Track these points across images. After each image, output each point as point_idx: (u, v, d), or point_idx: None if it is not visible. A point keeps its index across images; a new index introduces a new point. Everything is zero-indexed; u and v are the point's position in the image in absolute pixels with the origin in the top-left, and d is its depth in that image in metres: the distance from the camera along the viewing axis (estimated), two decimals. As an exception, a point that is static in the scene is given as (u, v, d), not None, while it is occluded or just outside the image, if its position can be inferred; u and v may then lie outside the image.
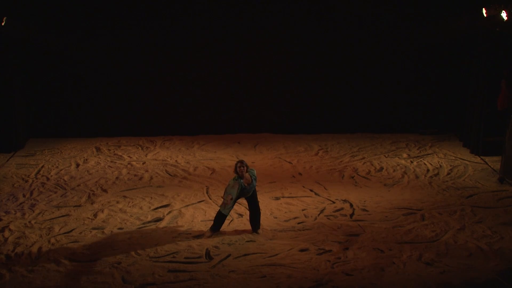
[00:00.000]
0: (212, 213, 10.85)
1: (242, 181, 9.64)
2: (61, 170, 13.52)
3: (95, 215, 10.82)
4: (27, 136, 15.81)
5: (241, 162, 9.68)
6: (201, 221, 10.56)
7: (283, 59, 16.33)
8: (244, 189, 9.68)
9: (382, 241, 9.67)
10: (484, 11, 13.43)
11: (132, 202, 11.50)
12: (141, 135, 16.29)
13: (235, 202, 9.80)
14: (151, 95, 16.38)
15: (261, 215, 10.10)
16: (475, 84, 14.61)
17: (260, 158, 14.48)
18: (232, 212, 10.61)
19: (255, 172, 9.91)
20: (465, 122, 15.11)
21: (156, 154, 14.82)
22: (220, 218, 9.91)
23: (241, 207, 10.96)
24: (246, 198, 9.98)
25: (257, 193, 10.08)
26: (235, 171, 9.66)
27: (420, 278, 8.47)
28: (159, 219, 10.64)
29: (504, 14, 12.80)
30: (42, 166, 13.75)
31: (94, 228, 10.25)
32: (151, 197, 11.76)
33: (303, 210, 11.04)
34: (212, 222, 10.12)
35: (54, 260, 9.03)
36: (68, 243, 9.65)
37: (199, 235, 9.90)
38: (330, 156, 14.58)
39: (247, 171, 9.72)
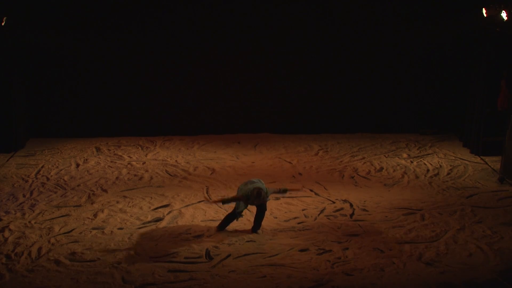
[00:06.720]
0: (212, 213, 10.88)
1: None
2: (61, 170, 13.52)
3: (95, 215, 10.82)
4: (27, 136, 15.81)
5: (259, 193, 9.56)
6: (201, 221, 10.56)
7: (283, 59, 16.33)
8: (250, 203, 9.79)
9: (382, 241, 9.67)
10: (484, 11, 13.46)
11: (132, 202, 11.50)
12: (141, 135, 16.30)
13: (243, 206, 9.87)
14: (151, 95, 16.38)
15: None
16: (475, 84, 14.61)
17: (260, 158, 14.48)
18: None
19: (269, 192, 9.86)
20: (465, 122, 15.11)
21: (156, 154, 14.82)
22: (228, 217, 10.04)
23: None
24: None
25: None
26: (252, 195, 9.58)
27: (420, 278, 8.47)
28: (159, 219, 10.64)
29: (504, 14, 12.82)
30: (42, 166, 13.75)
31: (94, 228, 10.25)
32: (151, 197, 11.76)
33: (303, 210, 11.04)
34: (212, 222, 10.27)
35: (54, 260, 9.03)
36: (68, 243, 9.65)
37: (199, 235, 9.91)
38: (330, 156, 14.58)
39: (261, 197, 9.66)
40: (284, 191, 10.11)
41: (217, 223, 10.22)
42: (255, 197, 9.56)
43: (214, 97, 16.49)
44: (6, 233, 9.99)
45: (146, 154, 14.79)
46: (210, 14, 15.94)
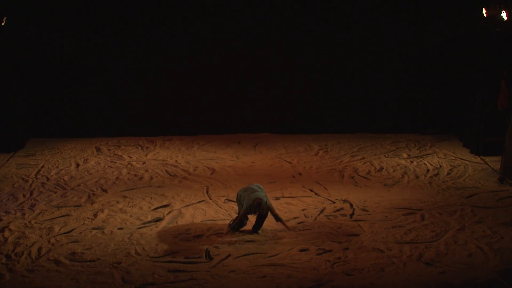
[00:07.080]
0: (212, 213, 10.89)
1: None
2: (61, 170, 13.52)
3: (95, 215, 10.82)
4: (27, 136, 15.81)
5: (259, 204, 9.58)
6: (201, 221, 10.56)
7: (283, 59, 16.33)
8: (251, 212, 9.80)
9: (382, 241, 9.67)
10: (484, 11, 13.45)
11: (132, 202, 11.50)
12: (141, 135, 16.29)
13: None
14: (151, 95, 16.38)
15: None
16: (475, 84, 14.61)
17: (260, 158, 14.47)
18: (232, 212, 10.65)
19: (269, 204, 9.84)
20: (465, 122, 15.11)
21: (156, 154, 14.82)
22: (238, 223, 10.02)
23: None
24: None
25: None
26: (253, 205, 9.59)
27: (420, 278, 8.47)
28: (159, 219, 10.64)
29: (504, 14, 12.82)
30: (42, 166, 13.75)
31: (94, 228, 10.25)
32: (151, 197, 11.76)
33: (303, 210, 11.03)
34: (212, 222, 10.33)
35: (54, 260, 9.03)
36: (68, 243, 9.65)
37: (199, 235, 9.91)
38: (330, 156, 14.57)
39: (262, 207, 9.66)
40: (278, 218, 9.92)
41: (217, 223, 10.26)
42: (256, 207, 9.58)
43: (214, 97, 16.49)
44: (6, 233, 9.99)
45: (146, 154, 14.79)
46: (210, 14, 15.93)
